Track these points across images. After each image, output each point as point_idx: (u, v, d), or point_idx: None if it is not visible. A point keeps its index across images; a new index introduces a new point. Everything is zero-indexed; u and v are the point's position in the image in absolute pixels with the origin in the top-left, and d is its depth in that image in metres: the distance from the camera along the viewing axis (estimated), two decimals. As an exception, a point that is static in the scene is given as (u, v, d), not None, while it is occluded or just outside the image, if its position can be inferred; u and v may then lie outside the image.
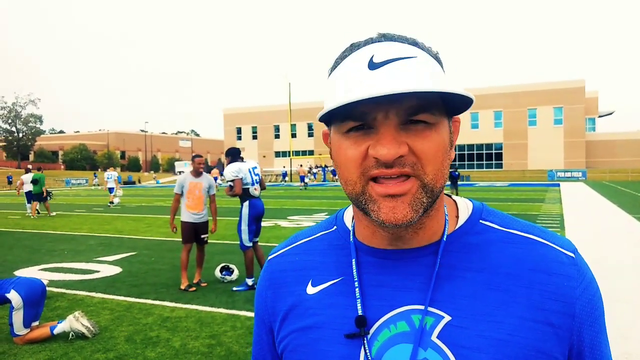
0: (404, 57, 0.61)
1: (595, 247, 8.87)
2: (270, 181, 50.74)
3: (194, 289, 6.19)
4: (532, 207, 17.28)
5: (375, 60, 0.61)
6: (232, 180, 6.11)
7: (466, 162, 56.37)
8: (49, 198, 17.32)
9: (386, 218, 0.62)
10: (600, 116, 59.62)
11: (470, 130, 55.21)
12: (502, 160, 55.28)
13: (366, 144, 0.62)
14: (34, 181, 16.85)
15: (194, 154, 6.82)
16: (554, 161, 51.89)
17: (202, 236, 6.52)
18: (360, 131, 0.63)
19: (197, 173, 6.46)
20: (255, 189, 6.25)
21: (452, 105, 0.65)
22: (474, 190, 29.17)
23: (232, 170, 6.10)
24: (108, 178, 21.60)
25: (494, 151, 55.71)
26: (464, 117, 54.80)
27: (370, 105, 0.60)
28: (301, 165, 44.16)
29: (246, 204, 6.19)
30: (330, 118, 0.65)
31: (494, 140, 55.37)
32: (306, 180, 38.70)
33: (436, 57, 0.67)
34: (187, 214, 6.39)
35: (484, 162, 56.28)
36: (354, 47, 0.66)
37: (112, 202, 20.80)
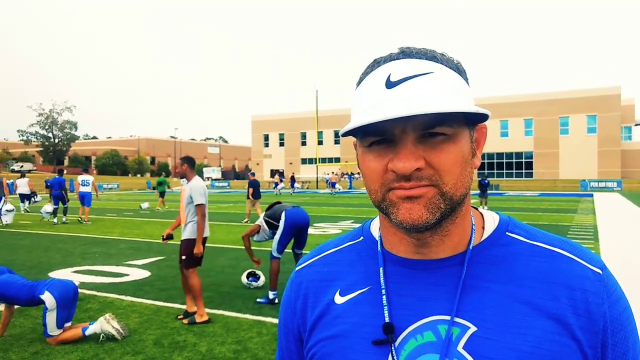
0: (420, 74, 0.64)
1: (632, 260, 8.57)
2: (301, 188, 50.19)
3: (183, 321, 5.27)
4: (564, 218, 16.82)
5: (392, 78, 0.64)
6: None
7: (495, 171, 55.33)
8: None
9: (403, 218, 0.65)
10: (637, 124, 57.73)
11: (500, 139, 54.19)
12: (532, 169, 54.04)
13: (387, 157, 0.65)
14: (160, 183, 22.03)
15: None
16: (587, 171, 50.42)
17: (182, 256, 5.33)
18: (382, 145, 0.65)
19: (182, 177, 5.50)
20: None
21: (471, 115, 0.66)
22: (503, 200, 28.59)
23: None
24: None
25: (524, 160, 54.51)
26: (493, 125, 53.86)
27: (387, 123, 0.62)
28: (333, 172, 44.83)
29: (283, 213, 6.06)
30: (354, 132, 0.68)
31: (524, 149, 54.22)
32: (337, 186, 39.21)
33: (457, 68, 0.68)
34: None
35: (514, 170, 55.12)
36: (375, 65, 0.69)
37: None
